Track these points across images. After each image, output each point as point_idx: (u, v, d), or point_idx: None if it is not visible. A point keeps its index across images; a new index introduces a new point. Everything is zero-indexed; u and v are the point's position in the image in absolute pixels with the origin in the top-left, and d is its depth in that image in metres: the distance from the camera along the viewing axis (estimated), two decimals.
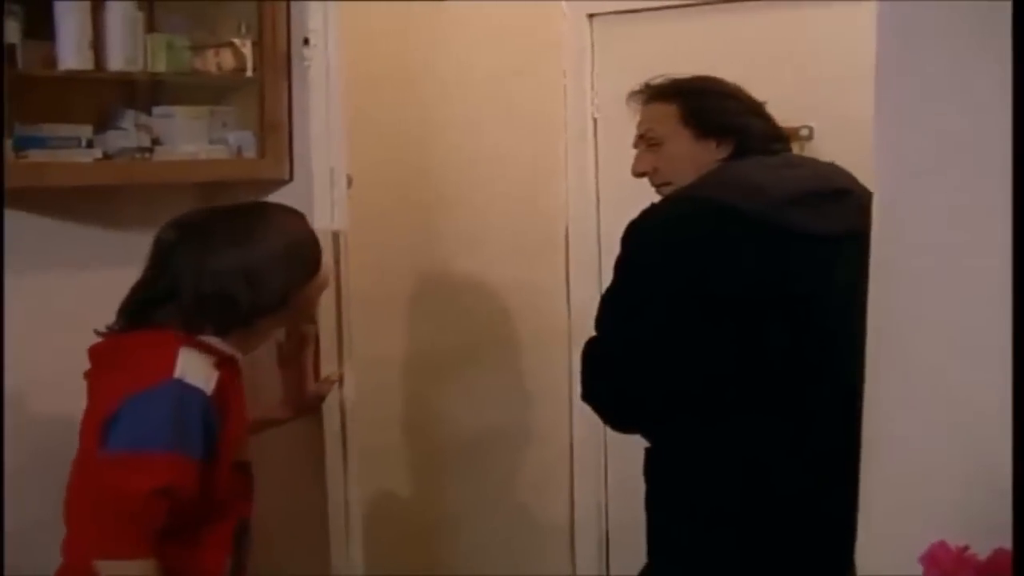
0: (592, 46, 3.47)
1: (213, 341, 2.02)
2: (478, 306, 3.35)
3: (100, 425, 1.94)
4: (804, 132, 3.12)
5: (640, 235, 2.12)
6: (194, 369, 1.95)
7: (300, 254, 2.08)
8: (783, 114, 3.09)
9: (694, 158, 2.25)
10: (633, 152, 2.35)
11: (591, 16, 3.47)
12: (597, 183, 3.50)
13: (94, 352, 2.05)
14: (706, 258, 2.05)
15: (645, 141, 2.31)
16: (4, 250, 2.19)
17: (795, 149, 3.14)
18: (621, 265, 2.14)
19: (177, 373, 1.93)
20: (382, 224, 2.94)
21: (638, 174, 2.33)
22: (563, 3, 3.50)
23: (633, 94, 2.38)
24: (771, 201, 2.08)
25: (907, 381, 1.48)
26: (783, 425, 2.06)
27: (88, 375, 2.05)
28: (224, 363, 2.02)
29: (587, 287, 3.40)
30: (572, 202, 3.57)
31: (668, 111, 2.29)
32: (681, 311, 2.05)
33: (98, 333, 2.05)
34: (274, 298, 2.04)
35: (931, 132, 1.45)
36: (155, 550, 1.90)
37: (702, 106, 2.28)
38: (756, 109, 2.34)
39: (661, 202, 2.21)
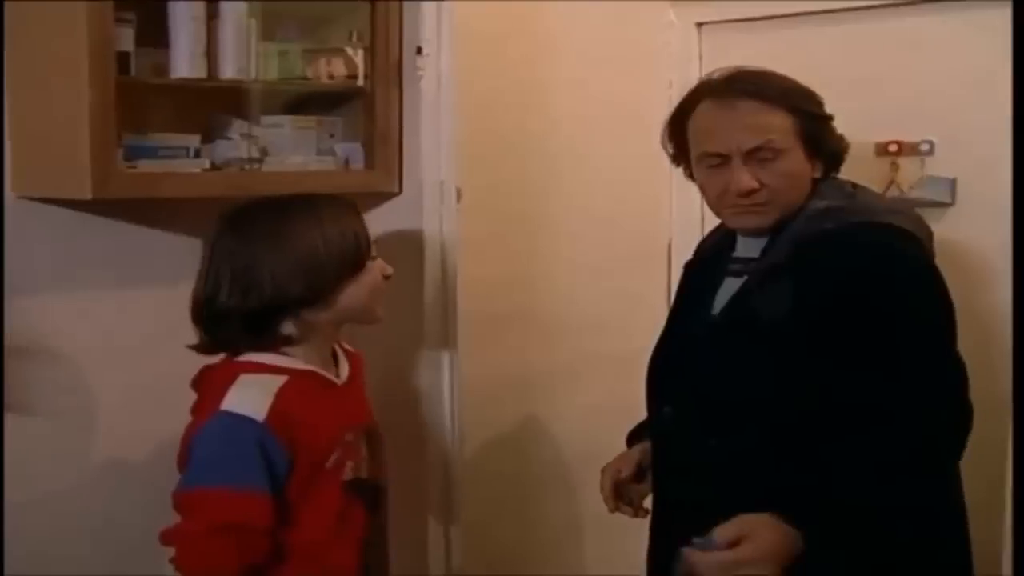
0: (700, 56, 3.38)
1: (272, 359, 1.97)
2: (580, 321, 3.28)
3: (180, 465, 1.95)
4: (924, 147, 3.01)
5: (923, 274, 1.96)
6: (245, 396, 1.89)
7: (329, 255, 1.96)
8: (901, 128, 3.03)
9: (802, 177, 2.02)
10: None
11: (700, 25, 3.38)
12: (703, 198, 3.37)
13: (194, 384, 2.03)
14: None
15: (757, 153, 1.98)
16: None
17: (915, 164, 3.06)
18: (916, 311, 1.94)
19: (224, 404, 1.88)
20: (488, 238, 2.87)
21: (747, 192, 2.00)
22: (671, 11, 3.41)
23: (713, 91, 2.04)
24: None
25: None
26: None
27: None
28: (294, 383, 1.94)
29: None
30: (676, 216, 3.48)
31: (784, 121, 1.99)
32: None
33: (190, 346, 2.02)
34: (306, 294, 1.95)
35: None
36: None
37: (816, 119, 2.03)
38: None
39: (884, 230, 1.97)
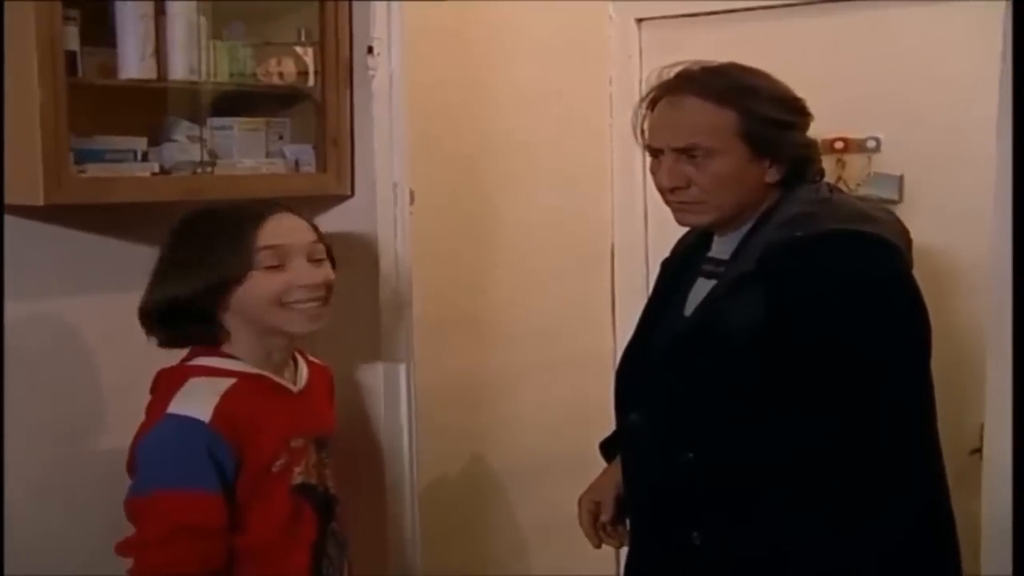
0: (640, 52, 3.37)
1: (221, 363, 1.98)
2: (523, 324, 3.25)
3: (129, 470, 1.95)
4: (871, 144, 3.04)
5: (889, 287, 1.91)
6: (190, 400, 1.90)
7: (212, 255, 1.95)
8: (847, 125, 3.04)
9: (743, 179, 1.97)
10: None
11: (640, 20, 3.37)
12: (645, 196, 3.37)
13: (152, 387, 2.02)
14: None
15: (688, 151, 1.96)
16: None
17: (861, 161, 3.08)
18: (872, 323, 1.88)
19: (171, 408, 1.90)
20: (434, 240, 2.82)
21: (670, 188, 1.99)
22: (610, 6, 3.39)
23: (665, 85, 2.01)
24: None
25: None
26: None
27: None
28: (242, 385, 1.95)
29: (633, 306, 3.29)
30: (617, 218, 3.47)
31: (723, 118, 1.95)
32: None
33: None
34: (195, 293, 1.95)
35: None
36: None
37: (766, 118, 1.96)
38: (805, 119, 2.06)
39: (856, 239, 1.91)
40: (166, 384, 1.96)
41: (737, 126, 1.95)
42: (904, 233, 2.03)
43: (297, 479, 2.00)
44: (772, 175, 2.00)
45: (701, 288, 2.08)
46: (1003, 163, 1.75)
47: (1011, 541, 1.66)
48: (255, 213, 1.99)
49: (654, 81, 2.04)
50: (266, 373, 2.01)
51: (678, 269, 2.20)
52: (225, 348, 2.01)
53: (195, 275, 1.94)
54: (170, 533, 1.83)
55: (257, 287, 1.96)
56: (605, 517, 2.24)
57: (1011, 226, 1.62)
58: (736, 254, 2.02)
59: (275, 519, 1.96)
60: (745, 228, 2.03)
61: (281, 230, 1.98)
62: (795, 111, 2.02)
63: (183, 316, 1.96)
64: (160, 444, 1.89)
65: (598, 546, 2.24)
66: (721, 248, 2.08)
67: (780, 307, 1.89)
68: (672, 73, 2.02)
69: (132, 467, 1.93)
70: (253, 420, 1.93)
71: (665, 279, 2.24)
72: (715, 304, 1.99)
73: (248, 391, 1.95)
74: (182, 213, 2.02)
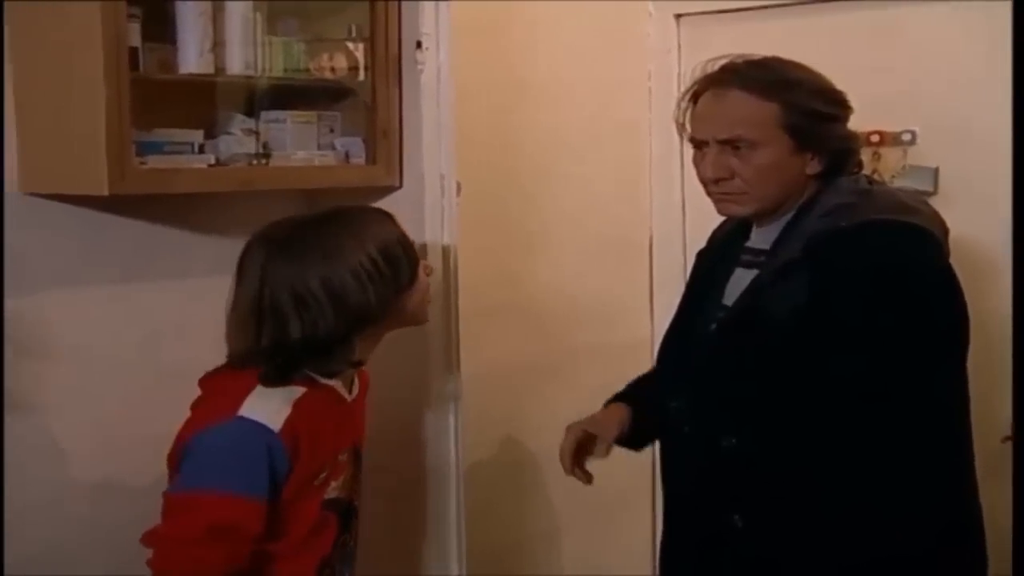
0: (679, 47, 3.42)
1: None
2: (563, 315, 3.30)
3: (170, 462, 1.92)
4: (906, 137, 3.08)
5: (932, 277, 1.95)
6: (262, 405, 1.87)
7: (389, 263, 1.96)
8: (883, 118, 3.08)
9: (785, 171, 2.02)
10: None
11: (678, 16, 3.42)
12: (683, 187, 3.42)
13: (200, 384, 1.99)
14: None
15: (732, 143, 2.00)
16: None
17: (897, 154, 3.13)
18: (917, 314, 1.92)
19: (242, 411, 1.86)
20: (477, 231, 2.88)
21: (714, 180, 2.04)
22: (649, 3, 3.45)
23: (710, 78, 2.06)
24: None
25: None
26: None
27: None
28: (311, 395, 1.93)
29: (670, 296, 3.34)
30: (656, 209, 3.52)
31: (766, 111, 1.99)
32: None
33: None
34: (366, 314, 1.93)
35: None
36: None
37: (809, 111, 2.00)
38: (846, 112, 2.10)
39: (898, 229, 1.95)
40: (231, 383, 1.92)
41: (780, 118, 1.98)
42: (942, 224, 2.07)
43: (332, 493, 2.00)
44: (813, 167, 2.03)
45: (740, 277, 2.12)
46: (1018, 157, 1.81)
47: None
48: (380, 211, 2.05)
49: (698, 74, 2.08)
50: (335, 384, 2.00)
51: (715, 259, 2.24)
52: None
53: (371, 284, 1.92)
54: (207, 533, 1.81)
55: (422, 284, 2.05)
56: (599, 454, 2.25)
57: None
58: (778, 243, 2.06)
59: (302, 528, 1.95)
60: (785, 219, 2.07)
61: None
62: (836, 104, 2.06)
63: (335, 340, 1.92)
64: (225, 445, 1.86)
65: (571, 474, 2.26)
66: (760, 238, 2.12)
67: (824, 294, 1.92)
68: (716, 66, 2.06)
69: (175, 460, 1.90)
70: (314, 433, 1.91)
71: (701, 269, 2.29)
72: (760, 291, 2.02)
73: (315, 401, 1.93)
74: (272, 236, 1.96)
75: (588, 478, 2.27)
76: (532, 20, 3.16)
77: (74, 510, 2.25)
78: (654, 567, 3.25)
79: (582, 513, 3.30)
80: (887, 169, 3.08)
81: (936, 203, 2.96)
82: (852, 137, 2.10)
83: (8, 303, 2.12)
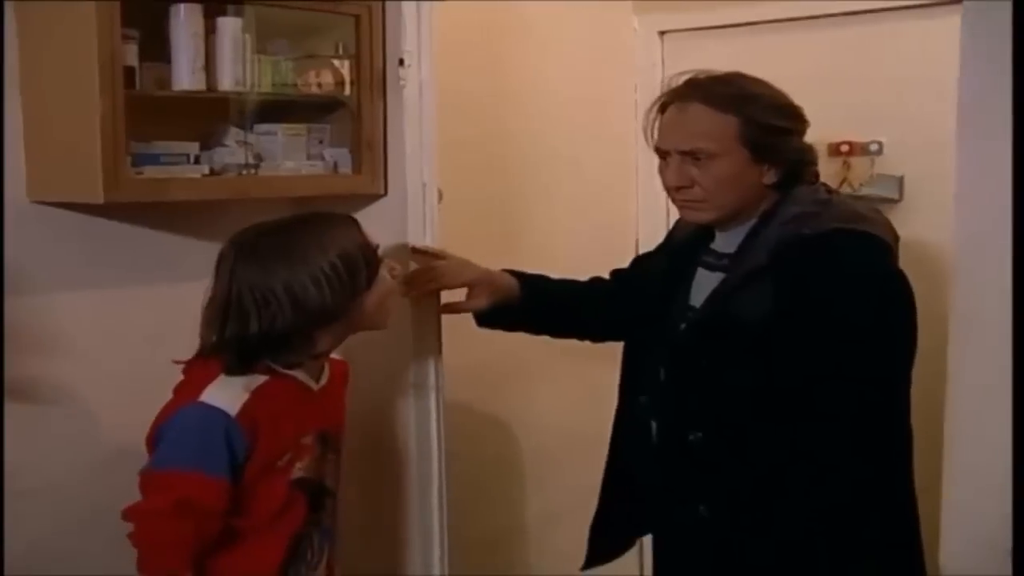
0: (663, 62, 3.55)
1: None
2: None
3: (148, 444, 2.08)
4: (874, 147, 3.20)
5: (890, 284, 2.07)
6: (222, 392, 2.03)
7: (348, 269, 2.08)
8: (852, 129, 3.20)
9: (742, 181, 2.13)
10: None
11: (662, 33, 3.56)
12: (668, 199, 3.50)
13: (185, 369, 2.13)
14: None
15: (692, 153, 2.11)
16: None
17: (865, 164, 3.24)
18: (870, 316, 2.04)
19: (203, 396, 2.02)
20: (465, 237, 2.99)
21: (675, 188, 2.16)
22: (634, 19, 3.58)
23: (674, 92, 2.17)
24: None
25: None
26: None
27: None
28: (272, 384, 2.08)
29: None
30: (642, 215, 3.64)
31: (726, 124, 2.10)
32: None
33: (176, 362, 2.12)
34: (322, 315, 2.07)
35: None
36: (191, 567, 2.01)
37: (766, 125, 2.11)
38: (802, 126, 2.19)
39: (857, 237, 2.07)
40: (200, 372, 2.07)
41: (739, 131, 2.10)
42: (893, 231, 2.17)
43: (297, 473, 2.14)
44: (770, 177, 2.14)
45: (705, 279, 2.23)
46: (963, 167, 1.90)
47: (968, 528, 1.78)
48: (346, 218, 2.17)
49: (665, 87, 2.20)
50: (298, 374, 2.13)
51: (674, 257, 2.35)
52: None
53: (328, 288, 2.04)
54: (178, 508, 1.96)
55: (383, 285, 2.16)
56: (474, 304, 2.49)
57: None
58: (742, 249, 2.17)
59: (270, 506, 2.10)
60: (748, 224, 2.18)
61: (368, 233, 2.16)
62: (793, 118, 2.17)
63: (293, 336, 2.06)
64: (185, 427, 2.02)
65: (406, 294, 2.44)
66: (724, 242, 2.23)
67: (790, 299, 2.04)
68: (681, 81, 2.18)
69: (152, 441, 2.06)
70: (273, 418, 2.06)
71: (662, 266, 2.38)
72: (727, 295, 2.13)
73: (276, 389, 2.08)
74: (242, 240, 2.09)
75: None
76: (522, 33, 3.28)
77: (70, 505, 2.37)
78: (641, 563, 3.39)
79: (565, 507, 3.38)
80: (856, 177, 3.21)
81: (901, 210, 3.12)
82: (807, 150, 2.20)
83: (11, 303, 2.25)
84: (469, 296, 2.51)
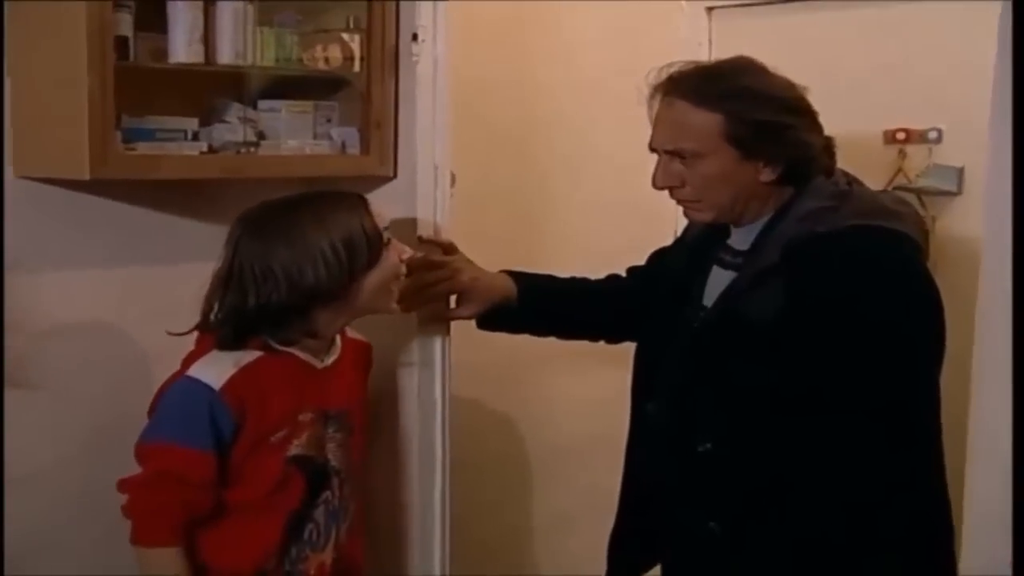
0: (710, 41, 3.40)
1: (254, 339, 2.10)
2: None
3: (150, 415, 2.12)
4: (932, 135, 3.03)
5: (910, 284, 1.95)
6: (209, 367, 2.05)
7: (348, 250, 2.07)
8: (909, 116, 3.02)
9: (733, 180, 2.01)
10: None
11: (710, 9, 3.40)
12: None
13: (196, 343, 2.15)
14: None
15: (678, 152, 2.02)
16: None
17: (922, 153, 3.06)
18: (892, 331, 1.92)
19: (191, 371, 2.06)
20: (482, 223, 2.89)
21: (661, 188, 2.07)
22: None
23: (659, 86, 2.06)
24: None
25: None
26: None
27: None
28: (265, 360, 2.09)
29: None
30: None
31: (709, 122, 1.98)
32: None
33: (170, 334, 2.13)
34: (317, 294, 2.06)
35: None
36: (180, 538, 2.05)
37: (752, 121, 1.98)
38: (804, 119, 2.04)
39: (874, 235, 1.94)
40: (200, 347, 2.11)
41: (723, 129, 1.98)
42: (921, 225, 2.05)
43: (294, 450, 2.14)
44: (767, 175, 2.02)
45: (718, 277, 2.13)
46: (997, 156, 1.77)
47: (993, 525, 1.72)
48: (354, 197, 2.14)
49: (652, 79, 2.08)
50: (295, 351, 2.13)
51: (690, 254, 2.24)
52: None
53: (325, 268, 2.04)
54: (157, 477, 2.02)
55: (387, 266, 2.13)
56: (464, 312, 2.40)
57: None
58: (755, 247, 2.06)
59: (263, 482, 2.11)
60: (762, 221, 2.06)
61: (375, 210, 2.14)
62: (790, 111, 2.01)
63: (290, 313, 2.07)
64: (171, 400, 2.07)
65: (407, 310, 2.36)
66: (739, 239, 2.12)
67: (801, 302, 1.93)
68: (666, 74, 2.06)
69: (150, 413, 2.11)
70: (263, 393, 2.08)
71: (676, 264, 2.28)
72: (737, 297, 2.03)
73: (269, 365, 2.09)
74: (248, 216, 2.11)
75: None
76: (555, 11, 3.17)
77: (59, 488, 2.34)
78: None
79: (576, 509, 3.30)
80: (912, 167, 3.05)
81: (959, 203, 2.95)
82: (809, 144, 2.03)
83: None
84: (459, 303, 2.43)
